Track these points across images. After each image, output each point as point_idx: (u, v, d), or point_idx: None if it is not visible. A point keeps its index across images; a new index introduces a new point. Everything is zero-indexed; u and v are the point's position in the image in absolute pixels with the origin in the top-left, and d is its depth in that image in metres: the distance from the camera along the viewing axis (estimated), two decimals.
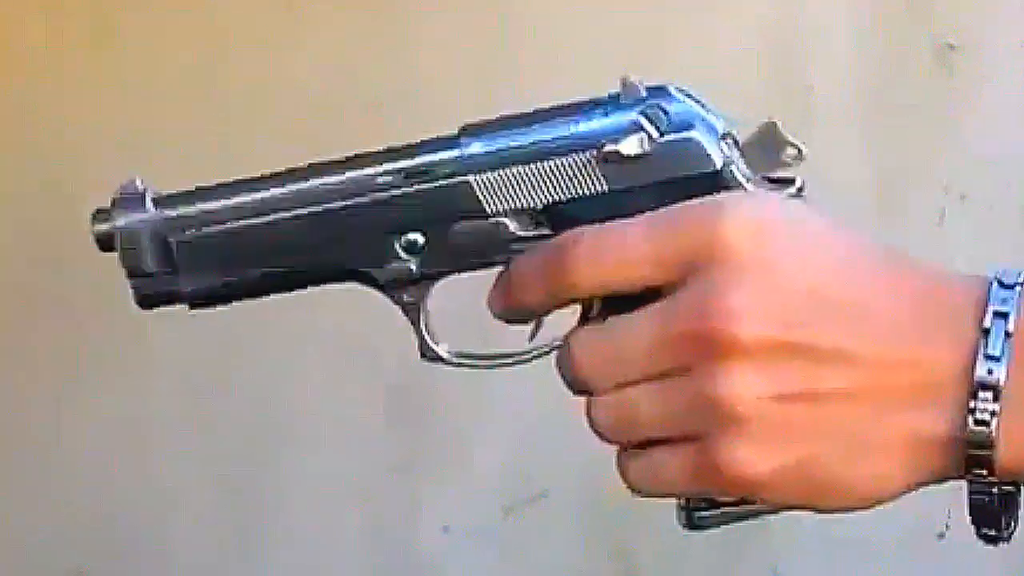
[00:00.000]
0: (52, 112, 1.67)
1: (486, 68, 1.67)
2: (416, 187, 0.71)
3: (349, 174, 0.72)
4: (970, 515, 0.66)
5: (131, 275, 0.74)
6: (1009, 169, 1.71)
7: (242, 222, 0.72)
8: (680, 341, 0.65)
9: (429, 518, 1.75)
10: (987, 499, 0.65)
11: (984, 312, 0.64)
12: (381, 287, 0.73)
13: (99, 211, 0.73)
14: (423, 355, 0.73)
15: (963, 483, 0.65)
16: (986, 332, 0.63)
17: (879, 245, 0.67)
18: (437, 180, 0.71)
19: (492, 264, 0.72)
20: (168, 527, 1.73)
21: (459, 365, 0.74)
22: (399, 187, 0.71)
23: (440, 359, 0.73)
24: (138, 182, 0.74)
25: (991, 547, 0.67)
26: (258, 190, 0.73)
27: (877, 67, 1.72)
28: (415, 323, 0.73)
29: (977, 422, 0.63)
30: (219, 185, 0.73)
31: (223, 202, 0.73)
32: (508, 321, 0.72)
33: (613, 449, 0.68)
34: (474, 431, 1.72)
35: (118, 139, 1.66)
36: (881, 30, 1.72)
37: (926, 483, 0.66)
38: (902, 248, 0.67)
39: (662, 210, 0.67)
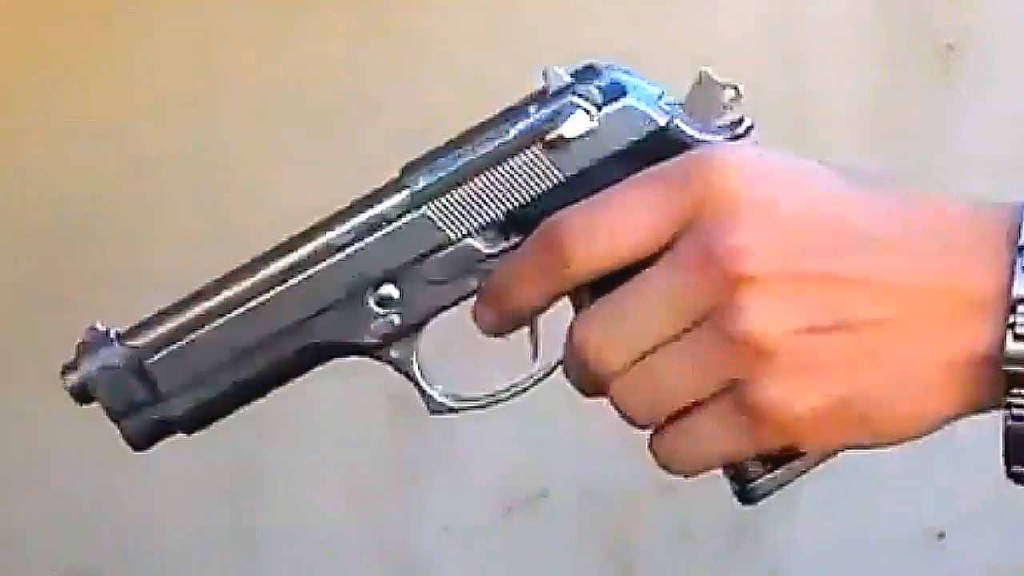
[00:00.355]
0: (52, 111, 1.67)
1: (486, 68, 1.67)
2: (374, 237, 0.69)
3: (306, 248, 0.70)
4: (1004, 449, 0.64)
5: (116, 415, 0.73)
6: (1009, 169, 1.71)
7: (212, 324, 0.71)
8: (691, 291, 0.63)
9: (429, 518, 1.75)
10: None
11: (1019, 230, 0.62)
12: (370, 353, 0.71)
13: (66, 366, 0.72)
14: (431, 411, 0.72)
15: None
16: (1022, 249, 0.62)
17: (867, 178, 0.66)
18: (392, 223, 0.69)
19: (472, 292, 0.70)
20: (168, 527, 1.73)
21: (466, 409, 0.72)
22: (357, 244, 0.70)
23: (448, 409, 0.72)
24: (98, 324, 0.72)
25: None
26: (220, 290, 0.71)
27: (877, 67, 1.72)
28: (412, 379, 0.71)
29: (1016, 337, 0.62)
30: (181, 301, 0.72)
31: (189, 312, 0.71)
32: (498, 334, 0.70)
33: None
34: (474, 431, 1.72)
35: (117, 139, 1.66)
36: (881, 30, 1.71)
37: (966, 412, 0.65)
38: None
39: (641, 174, 0.66)
